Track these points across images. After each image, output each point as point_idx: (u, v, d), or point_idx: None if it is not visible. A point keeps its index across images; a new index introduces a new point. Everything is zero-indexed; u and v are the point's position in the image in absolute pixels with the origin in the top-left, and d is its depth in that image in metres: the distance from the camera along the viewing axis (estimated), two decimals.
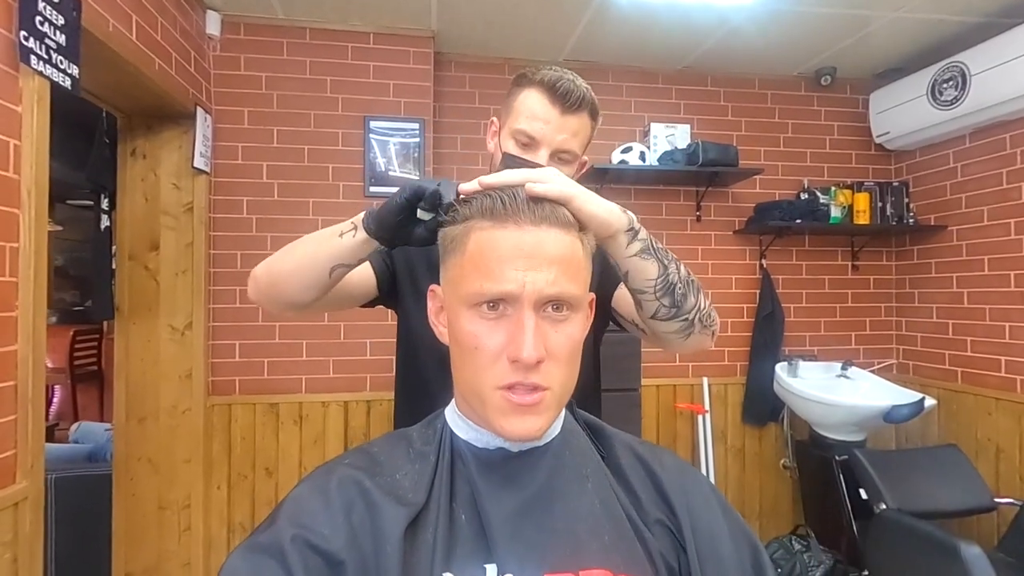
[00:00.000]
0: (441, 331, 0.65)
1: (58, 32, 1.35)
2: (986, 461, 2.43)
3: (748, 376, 2.81)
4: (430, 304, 0.66)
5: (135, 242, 2.17)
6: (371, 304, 1.02)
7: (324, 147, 2.41)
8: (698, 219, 2.84)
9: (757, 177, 2.82)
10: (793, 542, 2.43)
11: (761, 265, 2.87)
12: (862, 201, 2.76)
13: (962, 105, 2.36)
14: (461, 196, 0.63)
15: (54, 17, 1.34)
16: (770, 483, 2.85)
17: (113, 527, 2.16)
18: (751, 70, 2.86)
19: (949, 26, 2.39)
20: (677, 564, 0.61)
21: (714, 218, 2.86)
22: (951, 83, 2.40)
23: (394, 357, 1.10)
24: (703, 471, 2.53)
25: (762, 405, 2.76)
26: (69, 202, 4.74)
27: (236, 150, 2.36)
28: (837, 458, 2.25)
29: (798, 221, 2.68)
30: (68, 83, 1.40)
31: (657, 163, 2.64)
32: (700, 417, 2.70)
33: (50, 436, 2.72)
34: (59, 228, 4.69)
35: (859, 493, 2.07)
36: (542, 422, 0.58)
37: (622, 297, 0.96)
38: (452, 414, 0.66)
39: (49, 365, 4.11)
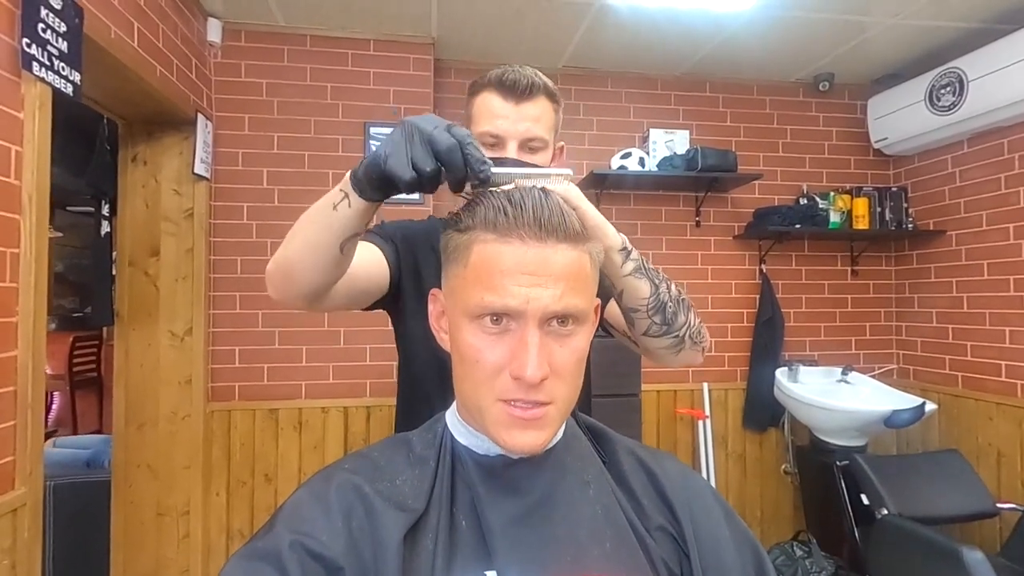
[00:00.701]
0: (443, 336, 0.64)
1: (60, 39, 1.36)
2: (987, 466, 2.42)
3: (748, 381, 2.81)
4: (431, 307, 0.65)
5: (135, 248, 2.17)
6: (378, 303, 0.99)
7: (324, 153, 2.42)
8: (697, 224, 2.84)
9: (756, 182, 2.83)
10: (795, 548, 2.42)
11: (761, 270, 2.87)
12: (861, 206, 2.77)
13: (960, 111, 2.37)
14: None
15: (56, 24, 1.34)
16: (771, 489, 2.84)
17: (112, 533, 2.15)
18: (749, 76, 2.88)
19: (946, 32, 2.40)
20: (680, 570, 0.60)
21: (713, 223, 2.87)
22: (949, 89, 2.41)
23: (395, 363, 1.10)
24: (704, 477, 2.52)
25: (762, 410, 2.76)
26: (70, 208, 4.74)
27: (237, 156, 2.37)
28: (838, 463, 2.24)
29: (797, 226, 2.69)
30: (70, 90, 1.41)
31: (656, 169, 2.65)
32: (700, 422, 2.69)
33: (47, 443, 2.71)
34: (59, 234, 4.68)
35: (860, 498, 2.06)
36: (544, 436, 0.57)
37: (615, 309, 0.97)
38: (453, 419, 0.66)
39: (48, 371, 4.10)
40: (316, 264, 0.74)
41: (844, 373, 2.69)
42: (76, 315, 4.79)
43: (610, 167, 2.63)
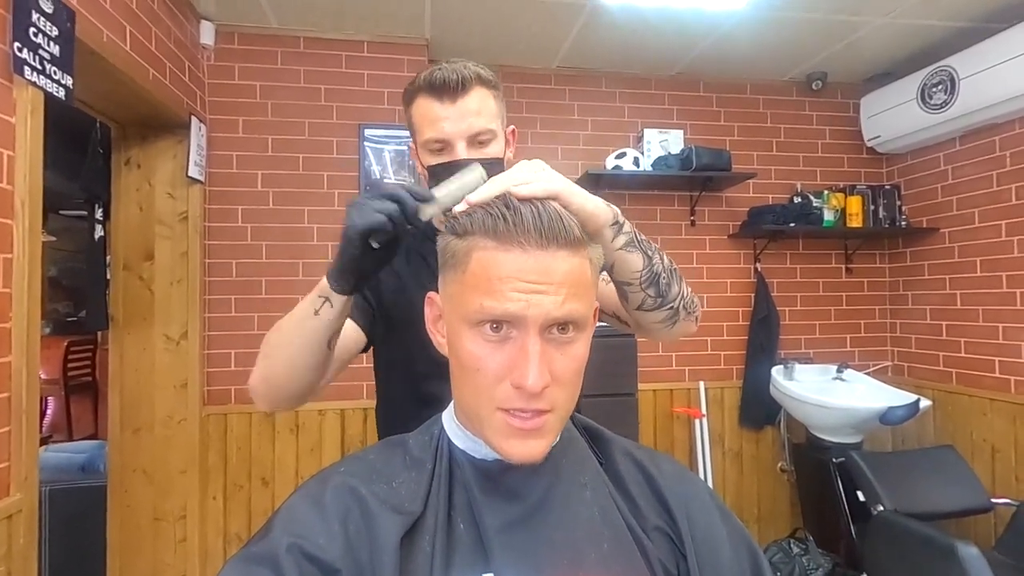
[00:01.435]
0: (439, 341, 0.64)
1: (52, 43, 1.35)
2: (982, 462, 2.43)
3: (744, 380, 2.82)
4: (427, 311, 0.65)
5: (129, 252, 2.17)
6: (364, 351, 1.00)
7: (319, 155, 2.42)
8: (692, 224, 2.85)
9: (750, 181, 2.84)
10: (792, 545, 2.43)
11: (756, 269, 2.88)
12: (855, 204, 2.78)
13: (951, 108, 2.39)
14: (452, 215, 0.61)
15: (48, 28, 1.34)
16: (768, 486, 2.85)
17: (108, 539, 2.14)
18: (743, 76, 2.89)
19: (937, 31, 2.42)
20: (676, 571, 0.61)
21: (708, 222, 2.88)
22: (940, 87, 2.43)
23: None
24: (701, 475, 2.53)
25: (759, 408, 2.77)
26: (63, 213, 4.72)
27: (231, 159, 2.36)
28: (834, 460, 2.25)
29: (791, 224, 2.70)
30: (62, 93, 1.40)
31: (651, 168, 2.65)
32: (697, 421, 2.70)
33: (42, 448, 2.69)
34: (53, 239, 4.66)
35: (857, 495, 2.07)
36: (544, 445, 0.57)
37: (601, 292, 0.95)
38: (450, 422, 0.65)
39: (42, 376, 4.06)
40: (307, 369, 0.79)
41: (839, 371, 2.70)
42: (70, 319, 4.77)
43: (605, 167, 2.64)
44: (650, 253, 0.76)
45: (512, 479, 0.60)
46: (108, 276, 2.19)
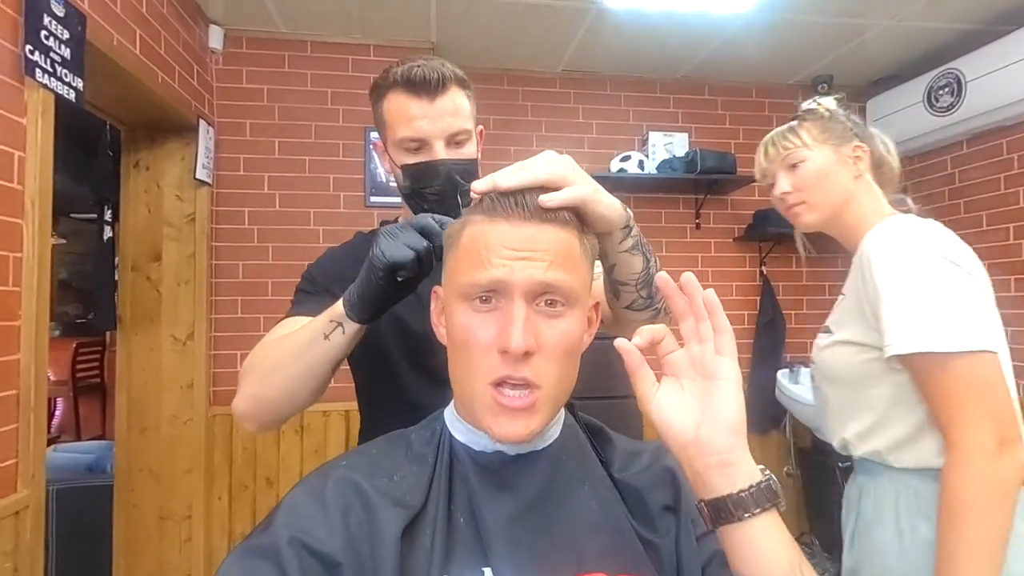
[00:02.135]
0: (441, 332, 0.65)
1: (63, 46, 1.38)
2: None
3: (750, 383, 2.80)
4: (433, 305, 0.66)
5: (138, 253, 2.19)
6: None
7: (325, 158, 2.43)
8: (697, 227, 2.85)
9: (756, 184, 2.82)
10: None
11: (761, 272, 2.87)
12: None
13: (958, 111, 2.38)
14: (473, 195, 0.61)
15: (59, 31, 1.36)
16: None
17: (114, 538, 2.15)
18: (748, 79, 2.89)
19: (944, 34, 2.41)
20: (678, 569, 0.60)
21: (713, 225, 2.87)
22: (947, 90, 2.42)
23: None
24: None
25: (764, 412, 2.75)
26: (73, 215, 4.77)
27: (238, 161, 2.38)
28: (840, 465, 2.23)
29: None
30: (72, 96, 1.42)
31: (656, 171, 2.65)
32: None
33: (51, 448, 2.71)
34: (63, 241, 4.72)
35: None
36: (533, 425, 0.56)
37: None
38: (450, 416, 0.66)
39: (51, 377, 4.11)
40: (307, 394, 0.78)
41: None
42: (80, 321, 4.82)
43: (609, 170, 2.64)
44: (649, 256, 0.77)
45: (511, 472, 0.61)
46: (116, 277, 2.21)
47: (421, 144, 0.86)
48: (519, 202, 0.58)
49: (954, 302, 0.84)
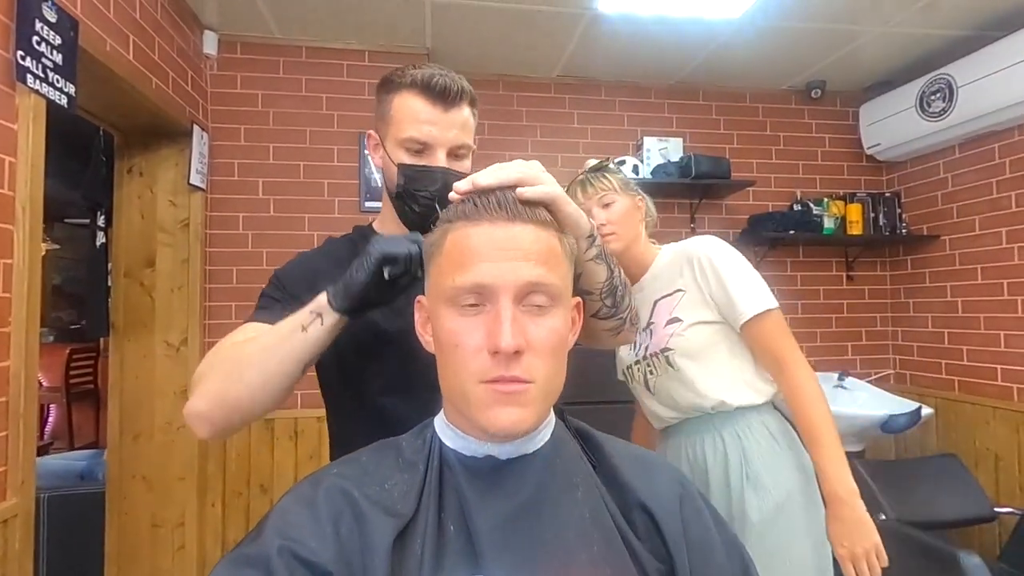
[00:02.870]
0: (427, 340, 0.65)
1: (55, 51, 1.37)
2: (985, 470, 2.41)
3: None
4: (417, 315, 0.66)
5: (131, 259, 2.18)
6: None
7: (320, 163, 2.43)
8: (692, 231, 2.85)
9: (750, 189, 2.84)
10: None
11: None
12: (855, 212, 2.78)
13: (950, 116, 2.39)
14: (454, 197, 0.64)
15: (51, 37, 1.36)
16: None
17: (106, 546, 2.13)
18: (742, 84, 2.90)
19: (935, 40, 2.43)
20: (665, 573, 0.60)
21: (708, 230, 2.88)
22: (939, 95, 2.43)
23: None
24: None
25: None
26: (67, 221, 4.75)
27: (232, 167, 2.38)
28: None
29: (791, 232, 2.70)
30: (64, 101, 1.42)
31: (651, 176, 2.66)
32: None
33: (43, 455, 2.70)
34: (56, 247, 4.69)
35: None
36: (527, 414, 0.57)
37: None
38: (440, 423, 0.66)
39: (45, 384, 4.09)
40: (275, 392, 0.74)
41: (840, 379, 2.68)
42: (73, 327, 4.78)
43: None
44: (612, 267, 0.81)
45: (502, 476, 0.60)
46: (109, 283, 2.20)
47: (424, 148, 0.87)
48: (501, 203, 0.59)
49: (757, 275, 1.19)
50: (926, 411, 2.32)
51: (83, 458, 2.56)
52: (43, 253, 1.38)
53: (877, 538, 1.05)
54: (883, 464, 2.35)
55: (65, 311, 5.00)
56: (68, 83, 1.43)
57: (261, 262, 2.35)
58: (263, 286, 0.94)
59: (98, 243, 2.14)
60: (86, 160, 2.15)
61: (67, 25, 1.41)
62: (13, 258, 1.28)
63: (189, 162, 2.17)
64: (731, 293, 1.15)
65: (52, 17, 1.36)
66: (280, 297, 0.88)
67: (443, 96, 0.86)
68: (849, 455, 2.43)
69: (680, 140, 2.79)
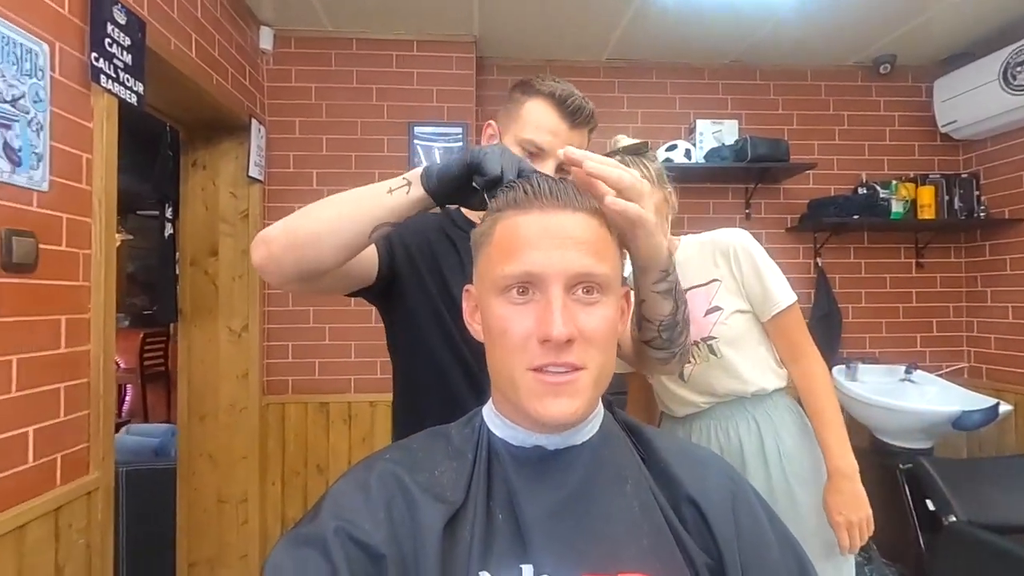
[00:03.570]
0: (476, 328, 0.65)
1: (125, 52, 1.44)
2: None
3: None
4: (465, 305, 0.67)
5: (196, 248, 2.29)
6: (358, 293, 0.95)
7: (370, 153, 2.48)
8: (747, 217, 2.75)
9: (810, 172, 2.71)
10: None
11: (816, 264, 2.75)
12: (927, 195, 2.61)
13: None
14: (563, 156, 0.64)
15: (121, 39, 1.43)
16: None
17: (177, 519, 2.28)
18: (803, 61, 2.76)
19: (1022, 5, 2.23)
20: (716, 570, 0.59)
21: (765, 216, 2.77)
22: None
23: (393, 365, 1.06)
24: None
25: None
26: (140, 212, 5.04)
27: (288, 159, 2.45)
28: (901, 467, 2.13)
29: (855, 217, 2.56)
30: (134, 100, 1.49)
31: (704, 160, 2.58)
32: None
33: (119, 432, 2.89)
34: (130, 237, 4.99)
35: (926, 504, 1.95)
36: (577, 404, 0.56)
37: None
38: (489, 412, 0.66)
39: (122, 365, 4.37)
40: (338, 239, 0.73)
41: (908, 371, 2.54)
42: (146, 313, 5.09)
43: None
44: (679, 303, 0.80)
45: (550, 466, 0.60)
46: (177, 271, 2.33)
47: (539, 153, 0.93)
48: (552, 190, 0.59)
49: (778, 268, 1.23)
50: (1004, 408, 2.16)
51: (157, 435, 2.73)
52: (118, 243, 1.46)
53: (870, 511, 1.15)
54: (954, 463, 2.21)
55: (139, 297, 5.33)
56: (137, 82, 1.50)
57: None
58: None
59: (166, 234, 2.26)
60: (155, 155, 2.27)
61: (135, 26, 1.48)
62: (91, 248, 1.36)
63: (248, 155, 2.26)
64: (767, 284, 1.19)
65: (122, 19, 1.43)
66: None
67: (573, 114, 0.94)
68: (916, 452, 2.32)
69: (735, 122, 2.68)
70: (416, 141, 2.47)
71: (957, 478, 1.95)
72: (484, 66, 2.67)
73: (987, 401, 2.21)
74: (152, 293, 4.98)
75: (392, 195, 0.72)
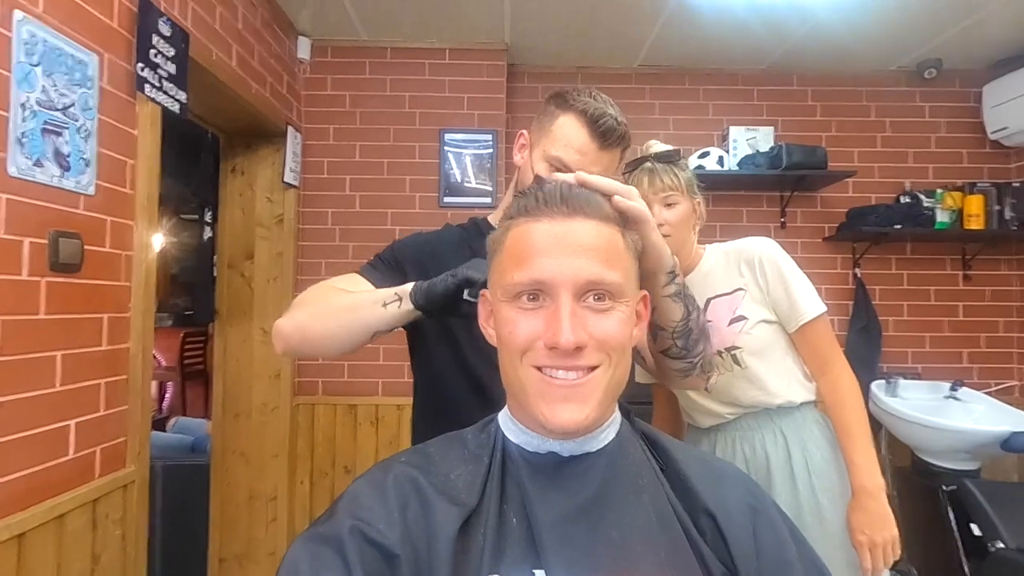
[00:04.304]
0: (490, 333, 0.66)
1: (168, 62, 1.51)
2: None
3: None
4: (481, 310, 0.67)
5: (233, 252, 2.36)
6: None
7: (402, 160, 2.52)
8: (783, 226, 2.69)
9: (849, 180, 2.63)
10: None
11: (855, 275, 2.66)
12: (975, 204, 2.50)
13: None
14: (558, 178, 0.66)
15: (165, 49, 1.49)
16: None
17: (210, 514, 2.34)
18: (842, 66, 2.68)
19: None
20: None
21: (801, 224, 2.70)
22: None
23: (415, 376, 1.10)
24: None
25: None
26: (183, 216, 5.24)
27: (322, 165, 2.51)
28: (945, 488, 2.03)
29: (897, 227, 2.47)
30: (176, 108, 1.55)
31: (737, 167, 2.53)
32: None
33: (161, 428, 2.99)
34: (173, 240, 5.18)
35: (971, 528, 1.86)
36: (586, 411, 0.56)
37: None
38: (504, 417, 0.66)
39: (163, 363, 4.54)
40: (342, 343, 0.86)
41: (953, 388, 2.43)
42: (187, 313, 5.27)
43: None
44: (691, 308, 0.81)
45: (564, 473, 0.60)
46: (215, 273, 2.40)
47: (564, 169, 0.91)
48: (563, 197, 0.59)
49: (806, 278, 1.20)
50: None
51: (194, 431, 2.82)
52: (163, 245, 1.52)
53: (896, 532, 1.11)
54: (1002, 486, 2.10)
55: (181, 298, 5.52)
56: (180, 91, 1.56)
57: (347, 255, 2.47)
58: None
59: (205, 237, 2.34)
60: (195, 160, 2.36)
61: (179, 38, 1.55)
62: (133, 250, 1.42)
63: (284, 161, 2.32)
64: (794, 295, 1.17)
65: (167, 31, 1.49)
66: (389, 263, 1.00)
67: (605, 135, 0.92)
68: (961, 473, 2.22)
69: (771, 129, 2.63)
70: (447, 148, 2.50)
71: (1005, 502, 1.85)
72: (515, 73, 2.69)
73: None
74: (192, 294, 5.16)
75: (386, 309, 0.81)
